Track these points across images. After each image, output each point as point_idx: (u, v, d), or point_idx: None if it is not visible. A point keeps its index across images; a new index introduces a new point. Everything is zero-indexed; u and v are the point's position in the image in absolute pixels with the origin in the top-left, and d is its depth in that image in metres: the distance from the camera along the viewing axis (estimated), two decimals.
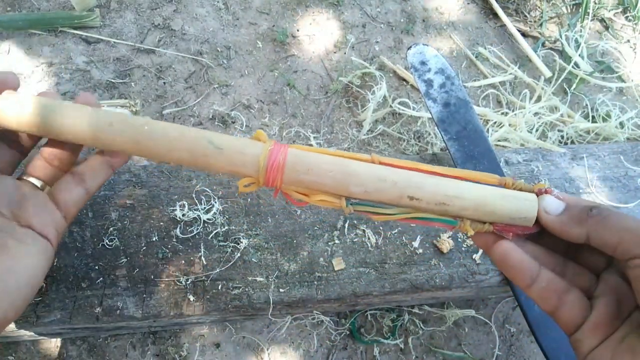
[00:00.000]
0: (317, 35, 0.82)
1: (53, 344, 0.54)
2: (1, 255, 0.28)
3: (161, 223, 0.51)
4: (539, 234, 0.32)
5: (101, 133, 0.32)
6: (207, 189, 0.53)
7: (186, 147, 0.31)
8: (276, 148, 0.32)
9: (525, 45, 0.86)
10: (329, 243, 0.52)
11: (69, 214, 0.34)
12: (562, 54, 0.87)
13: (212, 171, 0.33)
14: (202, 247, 0.50)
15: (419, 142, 0.74)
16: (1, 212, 0.30)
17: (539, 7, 0.94)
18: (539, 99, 0.79)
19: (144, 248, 0.49)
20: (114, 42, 0.73)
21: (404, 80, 0.80)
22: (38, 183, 0.33)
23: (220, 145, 0.31)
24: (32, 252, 0.30)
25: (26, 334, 0.48)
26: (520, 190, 0.33)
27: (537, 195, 0.32)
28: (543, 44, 0.89)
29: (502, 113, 0.77)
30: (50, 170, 0.34)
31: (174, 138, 0.32)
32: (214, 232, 0.51)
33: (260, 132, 0.33)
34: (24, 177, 0.34)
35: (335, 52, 0.81)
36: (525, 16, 0.93)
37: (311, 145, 0.70)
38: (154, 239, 0.49)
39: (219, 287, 0.48)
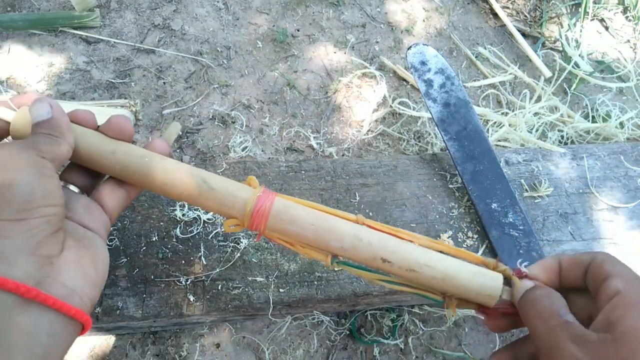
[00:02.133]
0: (317, 35, 0.82)
1: None
2: (85, 248, 0.30)
3: (161, 223, 0.50)
4: None
5: (103, 159, 0.33)
6: None
7: (181, 183, 0.34)
8: (264, 196, 0.33)
9: (525, 45, 0.86)
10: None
11: (113, 216, 0.35)
12: (562, 54, 0.87)
13: (203, 209, 0.36)
14: (202, 247, 0.50)
15: (419, 142, 0.74)
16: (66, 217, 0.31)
17: (539, 7, 0.94)
18: (539, 99, 0.79)
19: (144, 248, 0.49)
20: (114, 42, 0.73)
21: (404, 80, 0.80)
22: (76, 189, 0.34)
23: (213, 185, 0.34)
24: (100, 245, 0.32)
25: None
26: (502, 273, 0.34)
27: (519, 278, 0.33)
28: (543, 44, 0.89)
29: (502, 113, 0.77)
30: (87, 178, 0.35)
31: (169, 172, 0.33)
32: (214, 232, 0.51)
33: (252, 178, 0.35)
34: (62, 184, 0.34)
35: (335, 52, 0.81)
36: (525, 16, 0.93)
37: (311, 145, 0.70)
38: (154, 239, 0.49)
39: (219, 287, 0.48)
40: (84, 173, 0.35)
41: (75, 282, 0.28)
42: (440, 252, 0.34)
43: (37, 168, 0.27)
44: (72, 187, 0.34)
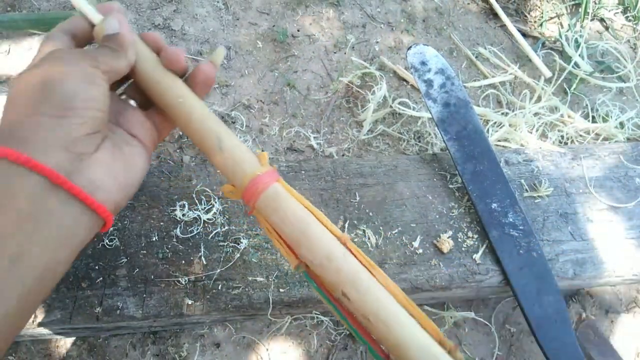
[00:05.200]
0: (317, 35, 0.82)
1: (53, 344, 0.54)
2: (121, 154, 0.33)
3: (161, 223, 0.51)
4: None
5: (149, 85, 0.35)
6: (207, 189, 0.53)
7: (199, 134, 0.35)
8: (264, 177, 0.33)
9: (525, 45, 0.86)
10: None
11: (163, 134, 0.38)
12: (562, 54, 0.87)
13: (210, 162, 0.36)
14: (202, 247, 0.50)
15: (419, 142, 0.74)
16: (110, 120, 0.34)
17: (539, 7, 0.94)
18: (539, 99, 0.79)
19: (144, 248, 0.49)
20: None
21: (404, 80, 0.80)
22: (134, 104, 0.37)
23: (224, 148, 0.34)
24: (140, 154, 0.35)
25: (26, 333, 0.48)
26: (454, 358, 0.30)
27: None
28: (543, 44, 0.89)
29: (502, 113, 0.77)
30: (147, 97, 0.38)
31: (193, 120, 0.35)
32: (214, 232, 0.51)
33: (264, 155, 0.35)
34: (122, 97, 0.38)
35: (335, 52, 0.81)
36: (526, 16, 0.93)
37: (311, 146, 0.70)
38: (154, 239, 0.49)
39: (219, 287, 0.48)
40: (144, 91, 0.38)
41: (102, 181, 0.30)
42: (408, 312, 0.31)
43: (87, 75, 0.30)
44: (132, 102, 0.37)
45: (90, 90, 0.30)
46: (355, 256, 0.32)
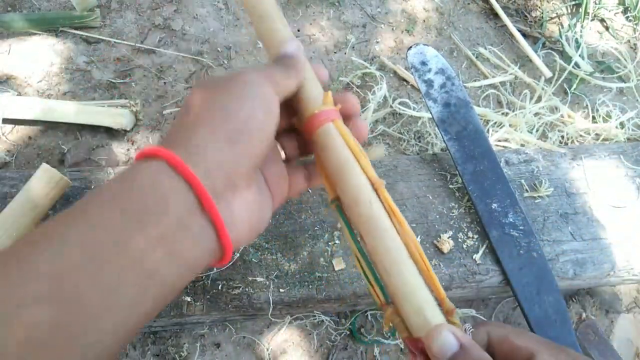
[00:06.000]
0: (317, 35, 0.82)
1: None
2: (259, 199, 0.31)
3: None
4: None
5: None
6: None
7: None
8: (320, 115, 0.34)
9: (525, 45, 0.86)
10: (329, 243, 0.52)
11: (292, 194, 0.37)
12: (563, 54, 0.87)
13: None
14: None
15: (419, 142, 0.74)
16: (260, 169, 0.33)
17: (539, 8, 0.94)
18: (539, 99, 0.79)
19: None
20: (115, 42, 0.74)
21: (405, 80, 0.80)
22: (282, 155, 0.37)
23: (304, 83, 0.35)
24: (269, 207, 0.33)
25: None
26: (449, 320, 0.31)
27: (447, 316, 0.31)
28: (543, 44, 0.89)
29: (503, 113, 0.77)
30: (296, 150, 0.37)
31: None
32: None
33: (327, 94, 0.36)
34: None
35: (335, 52, 0.81)
36: (526, 16, 0.93)
37: None
38: None
39: (219, 287, 0.48)
40: (295, 143, 0.37)
41: (240, 220, 0.29)
42: (417, 266, 0.32)
43: (266, 102, 0.29)
44: (281, 151, 0.37)
45: (266, 121, 0.29)
46: (382, 203, 0.34)
